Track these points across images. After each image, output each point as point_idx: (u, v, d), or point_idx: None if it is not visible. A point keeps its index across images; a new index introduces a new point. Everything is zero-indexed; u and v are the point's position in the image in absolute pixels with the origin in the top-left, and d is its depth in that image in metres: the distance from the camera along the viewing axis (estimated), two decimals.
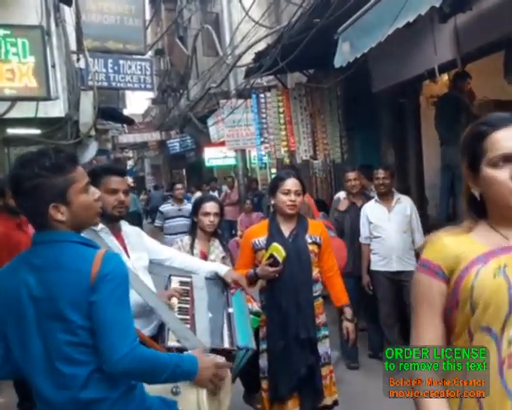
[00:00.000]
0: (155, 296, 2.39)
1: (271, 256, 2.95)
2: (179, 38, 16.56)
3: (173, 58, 16.73)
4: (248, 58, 8.02)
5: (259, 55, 6.96)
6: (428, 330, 1.36)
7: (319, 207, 7.66)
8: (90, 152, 8.10)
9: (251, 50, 7.73)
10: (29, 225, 3.05)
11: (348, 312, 3.17)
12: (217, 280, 2.72)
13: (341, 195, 5.17)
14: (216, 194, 11.18)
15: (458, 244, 1.34)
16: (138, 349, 1.64)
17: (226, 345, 2.26)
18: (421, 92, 6.71)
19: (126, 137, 22.41)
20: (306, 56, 5.91)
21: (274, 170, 11.64)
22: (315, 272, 3.12)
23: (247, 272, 2.98)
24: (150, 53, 15.16)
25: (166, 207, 7.58)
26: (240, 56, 8.63)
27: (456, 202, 6.57)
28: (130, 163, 30.40)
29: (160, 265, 2.73)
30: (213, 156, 15.37)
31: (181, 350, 2.07)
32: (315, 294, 3.09)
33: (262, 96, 7.87)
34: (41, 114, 5.85)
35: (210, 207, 3.55)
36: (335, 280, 3.21)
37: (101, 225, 2.36)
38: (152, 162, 31.59)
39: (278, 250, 2.93)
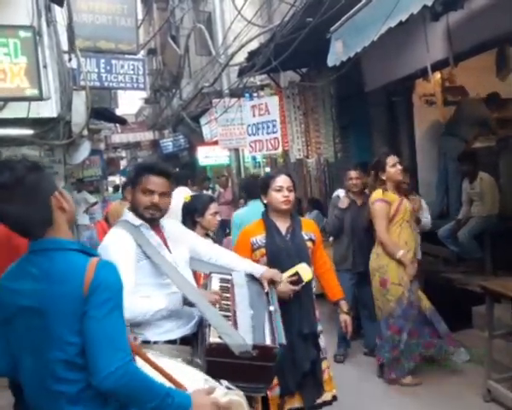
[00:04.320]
0: (197, 292, 2.38)
1: (296, 274, 2.90)
2: (171, 37, 16.49)
3: (166, 57, 16.67)
4: (241, 57, 8.00)
5: (252, 55, 6.94)
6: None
7: (313, 206, 7.72)
8: (83, 152, 8.03)
9: (244, 49, 7.71)
10: None
11: (344, 305, 3.23)
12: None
13: (340, 193, 5.20)
14: (210, 193, 11.16)
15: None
16: (129, 367, 1.56)
17: (268, 342, 2.25)
18: (413, 91, 6.73)
19: (119, 137, 22.29)
20: (299, 55, 5.91)
21: (268, 169, 11.63)
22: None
23: None
24: (142, 52, 15.10)
25: None
26: (232, 55, 8.60)
27: (448, 201, 6.60)
28: (123, 163, 30.22)
29: (199, 261, 2.70)
30: (207, 155, 15.34)
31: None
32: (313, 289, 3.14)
33: (255, 95, 7.87)
34: (33, 115, 5.79)
35: (217, 207, 3.66)
36: (329, 275, 3.26)
37: (140, 221, 2.39)
38: None
39: (306, 271, 2.91)
